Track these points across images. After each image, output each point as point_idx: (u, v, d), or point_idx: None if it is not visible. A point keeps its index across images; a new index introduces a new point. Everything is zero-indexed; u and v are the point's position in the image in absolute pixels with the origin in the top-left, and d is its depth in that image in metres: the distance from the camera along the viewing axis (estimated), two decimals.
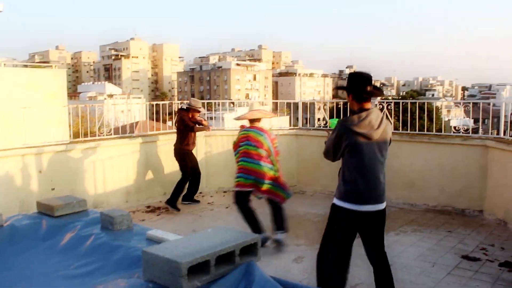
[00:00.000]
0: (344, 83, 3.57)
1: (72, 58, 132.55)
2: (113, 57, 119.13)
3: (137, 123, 8.80)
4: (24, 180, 6.11)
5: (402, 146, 7.02)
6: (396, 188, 6.97)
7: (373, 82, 3.42)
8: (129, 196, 7.15)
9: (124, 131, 7.47)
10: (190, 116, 7.05)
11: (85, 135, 6.92)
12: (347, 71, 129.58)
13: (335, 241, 3.46)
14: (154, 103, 8.68)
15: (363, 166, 3.29)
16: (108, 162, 6.95)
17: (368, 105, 3.36)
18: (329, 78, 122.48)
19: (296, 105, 9.07)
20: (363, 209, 3.31)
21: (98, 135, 7.20)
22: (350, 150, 3.30)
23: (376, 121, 3.30)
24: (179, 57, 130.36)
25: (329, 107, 22.30)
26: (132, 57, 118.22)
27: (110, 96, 62.06)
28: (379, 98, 7.16)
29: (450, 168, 6.70)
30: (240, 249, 1.96)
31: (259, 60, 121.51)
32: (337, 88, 7.40)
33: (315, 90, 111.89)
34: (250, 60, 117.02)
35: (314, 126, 8.69)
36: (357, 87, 3.32)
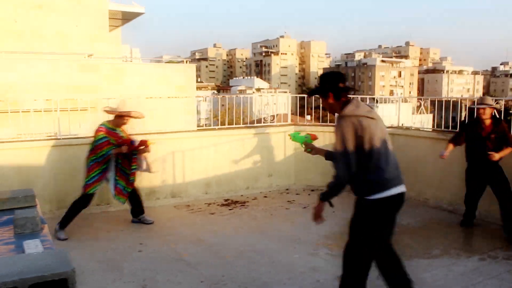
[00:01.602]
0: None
1: (227, 55, 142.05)
2: (263, 54, 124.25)
3: (277, 115, 8.88)
4: None
5: None
6: None
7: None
8: (209, 187, 7.15)
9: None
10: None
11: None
12: (502, 68, 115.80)
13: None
14: (298, 96, 8.54)
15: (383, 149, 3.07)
16: (189, 153, 7.01)
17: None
18: (480, 75, 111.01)
19: (440, 103, 7.60)
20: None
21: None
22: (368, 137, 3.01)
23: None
24: (326, 54, 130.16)
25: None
26: (281, 53, 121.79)
27: (258, 90, 64.95)
28: None
29: None
30: (28, 286, 1.50)
31: (406, 57, 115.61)
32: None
33: (464, 87, 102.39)
34: (396, 56, 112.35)
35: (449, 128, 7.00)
36: (336, 85, 3.17)
